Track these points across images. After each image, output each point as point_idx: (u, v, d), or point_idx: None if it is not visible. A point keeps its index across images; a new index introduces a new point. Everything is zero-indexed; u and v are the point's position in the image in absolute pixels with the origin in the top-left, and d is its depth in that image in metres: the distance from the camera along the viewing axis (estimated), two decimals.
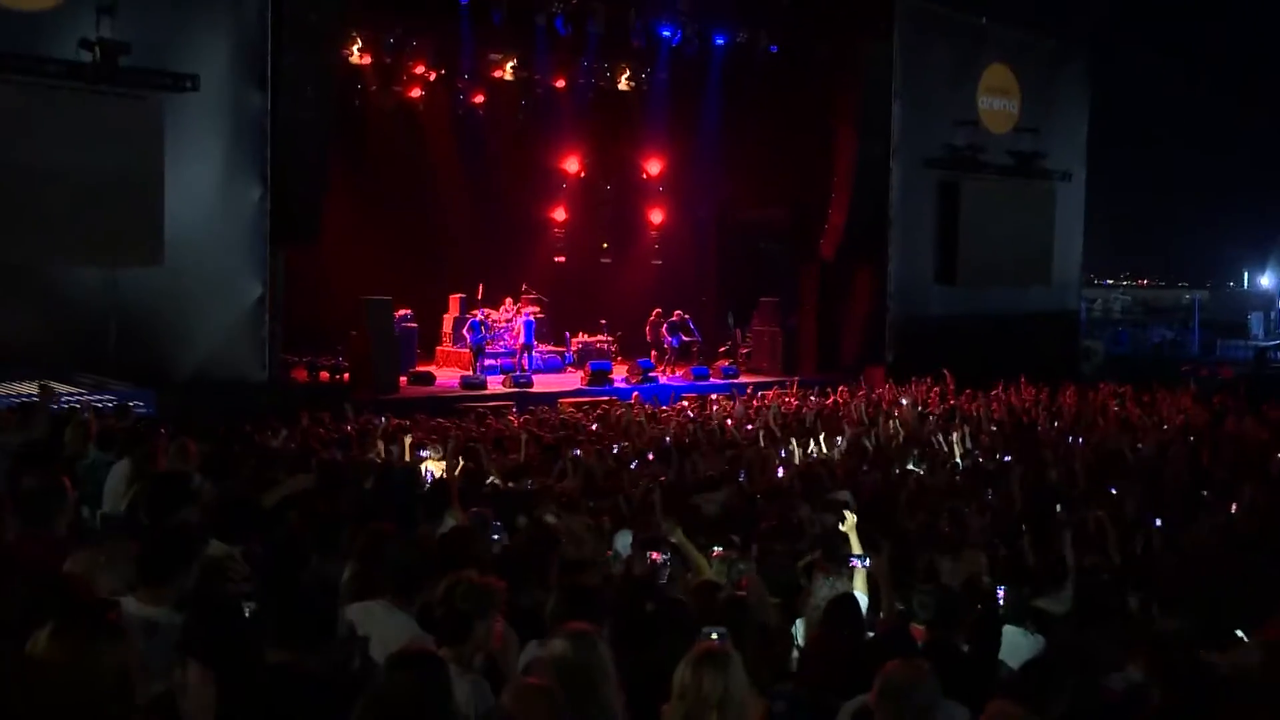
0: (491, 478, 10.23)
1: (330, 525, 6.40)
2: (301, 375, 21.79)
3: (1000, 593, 6.31)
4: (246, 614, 4.04)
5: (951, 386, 20.53)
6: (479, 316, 24.37)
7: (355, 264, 23.80)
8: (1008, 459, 12.88)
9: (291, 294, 20.50)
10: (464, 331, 24.13)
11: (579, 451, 12.05)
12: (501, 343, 25.46)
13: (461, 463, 11.14)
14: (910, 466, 12.34)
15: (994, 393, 20.18)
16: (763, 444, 13.78)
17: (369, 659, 4.31)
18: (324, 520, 6.55)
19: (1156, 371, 25.58)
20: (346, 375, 21.47)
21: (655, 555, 6.71)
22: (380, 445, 11.96)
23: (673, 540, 6.81)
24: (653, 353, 25.80)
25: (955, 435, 13.94)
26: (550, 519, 7.86)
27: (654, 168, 30.12)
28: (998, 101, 27.66)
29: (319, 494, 8.12)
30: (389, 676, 3.71)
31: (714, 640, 4.13)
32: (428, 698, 3.65)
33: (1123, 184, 52.64)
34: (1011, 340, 26.41)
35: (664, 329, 25.76)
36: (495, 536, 7.07)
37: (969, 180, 26.58)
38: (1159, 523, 9.02)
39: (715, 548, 6.98)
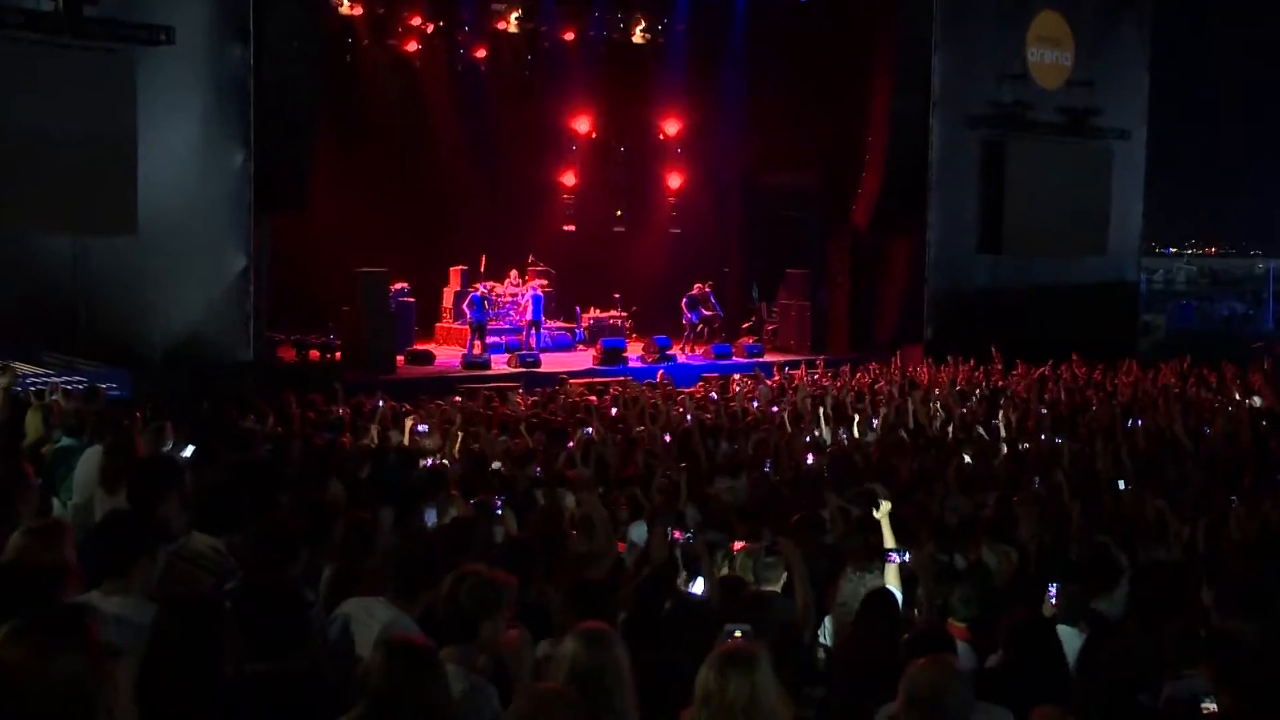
0: (497, 464, 10.24)
1: (322, 516, 6.42)
2: (289, 354, 21.86)
3: (1052, 590, 6.29)
4: (226, 611, 4.06)
5: (998, 365, 20.46)
6: (481, 291, 24.42)
7: (347, 234, 23.82)
8: (1058, 443, 12.83)
9: (278, 266, 20.54)
10: (464, 307, 24.20)
11: (590, 429, 12.06)
12: (506, 319, 25.48)
13: (463, 448, 11.21)
14: (951, 452, 12.33)
15: (1043, 372, 20.10)
16: (789, 428, 13.77)
17: (354, 657, 4.34)
18: (315, 511, 6.58)
19: (1224, 349, 25.41)
20: (338, 354, 21.53)
21: (677, 533, 6.74)
22: (375, 430, 11.99)
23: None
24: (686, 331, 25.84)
25: (1000, 418, 13.90)
26: (570, 503, 7.90)
27: (671, 128, 30.02)
28: (1048, 53, 27.45)
29: (310, 483, 8.18)
30: (371, 666, 3.72)
31: (739, 639, 4.12)
32: (415, 691, 3.66)
33: (1188, 142, 52.24)
34: (1063, 315, 26.30)
35: (683, 303, 25.76)
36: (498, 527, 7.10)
37: (1016, 140, 26.43)
38: (1226, 514, 8.97)
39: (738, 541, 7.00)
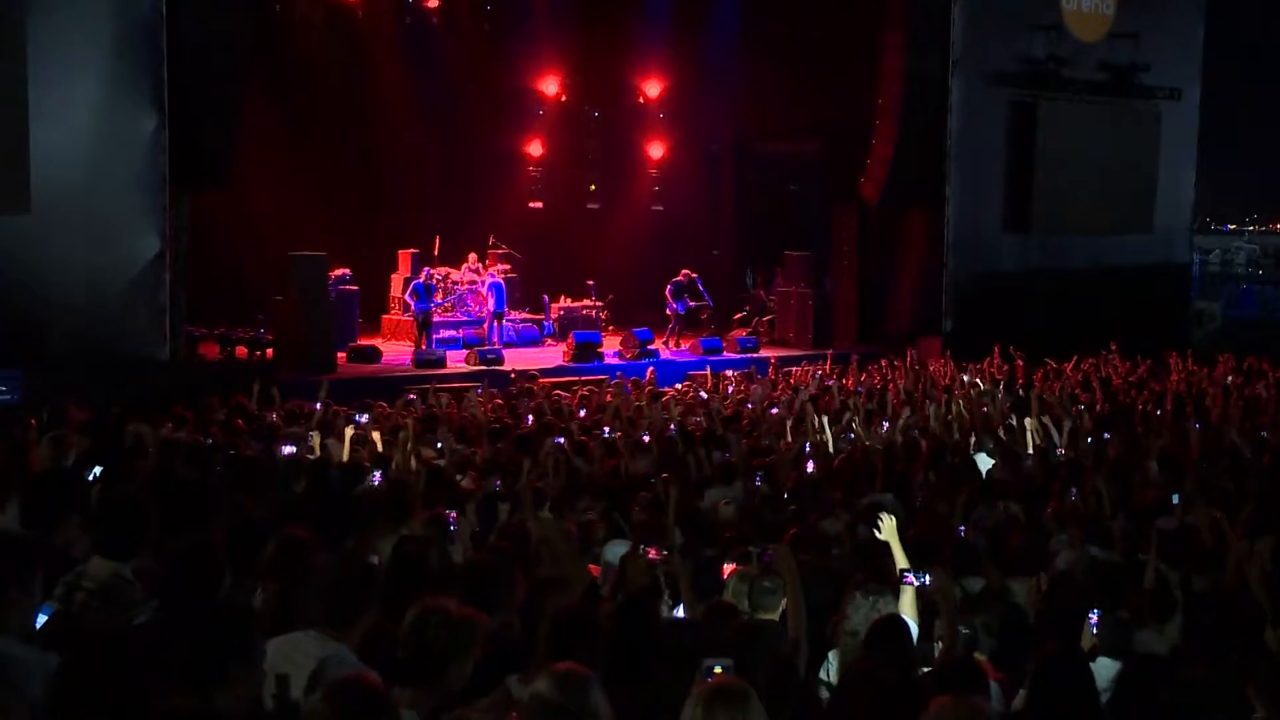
0: (457, 475, 10.25)
1: (249, 537, 6.40)
2: (212, 351, 21.77)
3: (1092, 618, 6.31)
4: (134, 646, 4.04)
5: (1020, 362, 20.52)
6: (428, 278, 24.22)
7: (279, 212, 23.72)
8: (1097, 450, 12.88)
9: (199, 250, 20.43)
10: (406, 297, 24.08)
11: (562, 439, 12.09)
12: (464, 309, 25.42)
13: (414, 458, 11.20)
14: (975, 459, 12.36)
15: (1080, 367, 20.17)
16: (788, 433, 13.78)
17: (289, 701, 4.32)
18: (241, 531, 6.57)
19: None
20: (269, 351, 21.45)
21: (653, 552, 6.74)
22: (316, 437, 11.98)
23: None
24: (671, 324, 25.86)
25: (1030, 421, 13.95)
26: (535, 521, 7.91)
27: (653, 89, 30.02)
28: (1086, 0, 27.56)
29: (236, 499, 8.16)
30: (311, 712, 3.71)
31: (720, 674, 4.14)
32: None
33: (1248, 102, 52.35)
34: (1102, 303, 26.41)
35: (667, 291, 25.77)
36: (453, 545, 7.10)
37: (1049, 101, 26.52)
38: None
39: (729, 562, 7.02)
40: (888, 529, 6.96)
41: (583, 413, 15.58)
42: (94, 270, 18.33)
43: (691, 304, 26.15)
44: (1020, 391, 17.45)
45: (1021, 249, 26.75)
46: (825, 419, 13.99)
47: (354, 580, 5.25)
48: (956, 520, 9.08)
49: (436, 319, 24.49)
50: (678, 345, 25.58)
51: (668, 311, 25.82)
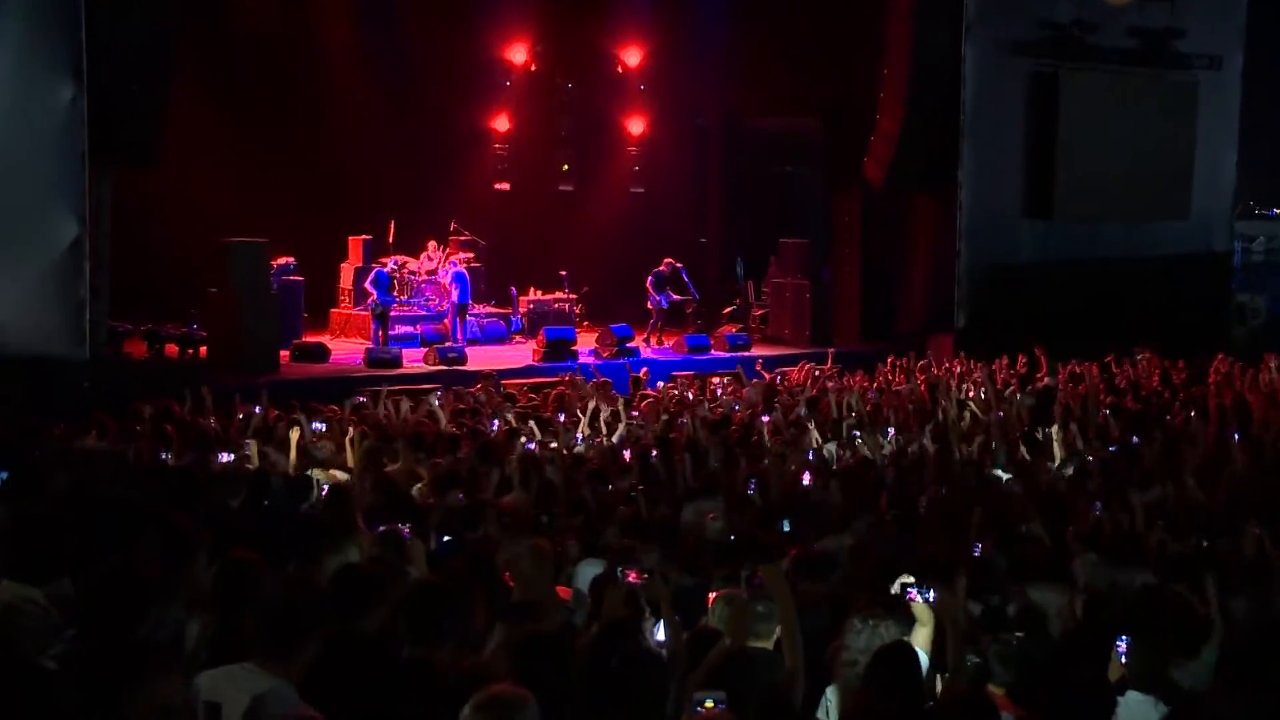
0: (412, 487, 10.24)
1: (179, 558, 6.37)
2: (139, 350, 21.69)
3: (1121, 645, 6.31)
4: (48, 677, 4.02)
5: (1042, 363, 20.57)
6: (388, 267, 24.26)
7: (214, 194, 23.66)
8: (1127, 458, 12.90)
9: (122, 235, 20.34)
10: (367, 286, 24.05)
11: (533, 444, 12.09)
12: (423, 303, 25.37)
13: (367, 467, 11.19)
14: (990, 470, 12.38)
15: (1108, 369, 20.21)
16: (782, 441, 13.79)
17: None
18: (171, 551, 6.53)
19: None
20: (203, 350, 21.39)
21: (633, 575, 6.74)
22: (254, 445, 11.96)
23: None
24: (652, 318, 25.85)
25: (1053, 427, 13.97)
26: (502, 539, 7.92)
27: (632, 58, 30.00)
28: None
29: (165, 515, 8.12)
30: None
31: (711, 710, 4.14)
32: None
33: None
34: (1133, 296, 26.44)
35: (648, 283, 25.77)
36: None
37: (1074, 71, 26.57)
38: None
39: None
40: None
41: (561, 417, 15.59)
42: (2, 258, 18.24)
43: (675, 297, 26.16)
44: (1041, 396, 17.46)
45: (1043, 237, 26.77)
46: (823, 426, 14.01)
47: (295, 606, 5.23)
48: (970, 538, 9.09)
49: (393, 312, 24.45)
50: (660, 343, 25.59)
51: (649, 305, 25.81)
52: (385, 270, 24.02)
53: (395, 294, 24.57)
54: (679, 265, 26.44)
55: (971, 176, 25.89)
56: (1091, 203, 26.85)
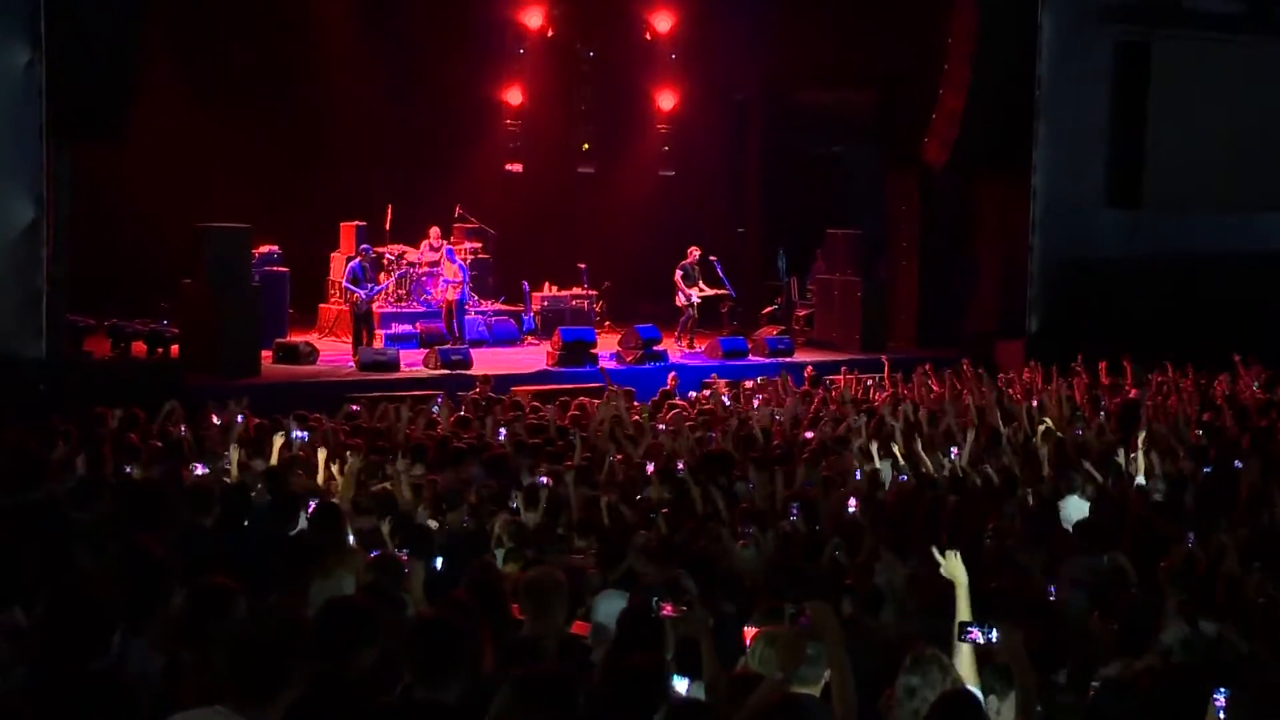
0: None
1: (146, 583, 6.38)
2: (102, 348, 21.70)
3: (1219, 699, 6.25)
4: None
5: (1128, 373, 20.48)
6: (364, 257, 23.98)
7: (189, 174, 23.74)
8: (1224, 489, 12.82)
9: (86, 219, 20.39)
10: (346, 283, 23.88)
11: (545, 479, 12.07)
12: (423, 298, 25.35)
13: (361, 485, 11.20)
14: (1067, 495, 12.32)
15: (1202, 381, 20.10)
16: (829, 459, 13.74)
17: None
18: (137, 575, 6.54)
19: None
20: (175, 348, 21.40)
21: (668, 608, 6.72)
22: (234, 457, 11.97)
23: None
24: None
25: (1139, 449, 13.89)
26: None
27: (663, 23, 29.96)
28: None
29: (131, 535, 8.13)
30: None
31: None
32: None
33: None
34: (1233, 297, 26.27)
35: (676, 276, 25.71)
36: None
37: (1167, 40, 26.43)
38: None
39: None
40: (951, 567, 6.87)
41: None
42: None
43: (707, 291, 26.02)
44: (1126, 410, 17.37)
45: (1128, 229, 26.66)
46: (877, 443, 13.95)
47: (274, 642, 5.21)
48: (1039, 573, 9.05)
49: (388, 309, 24.40)
50: (692, 345, 25.55)
51: (679, 303, 25.76)
52: (359, 262, 23.81)
53: (378, 282, 24.39)
54: (713, 258, 26.40)
55: (1047, 159, 25.78)
56: (1185, 190, 26.69)
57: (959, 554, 6.95)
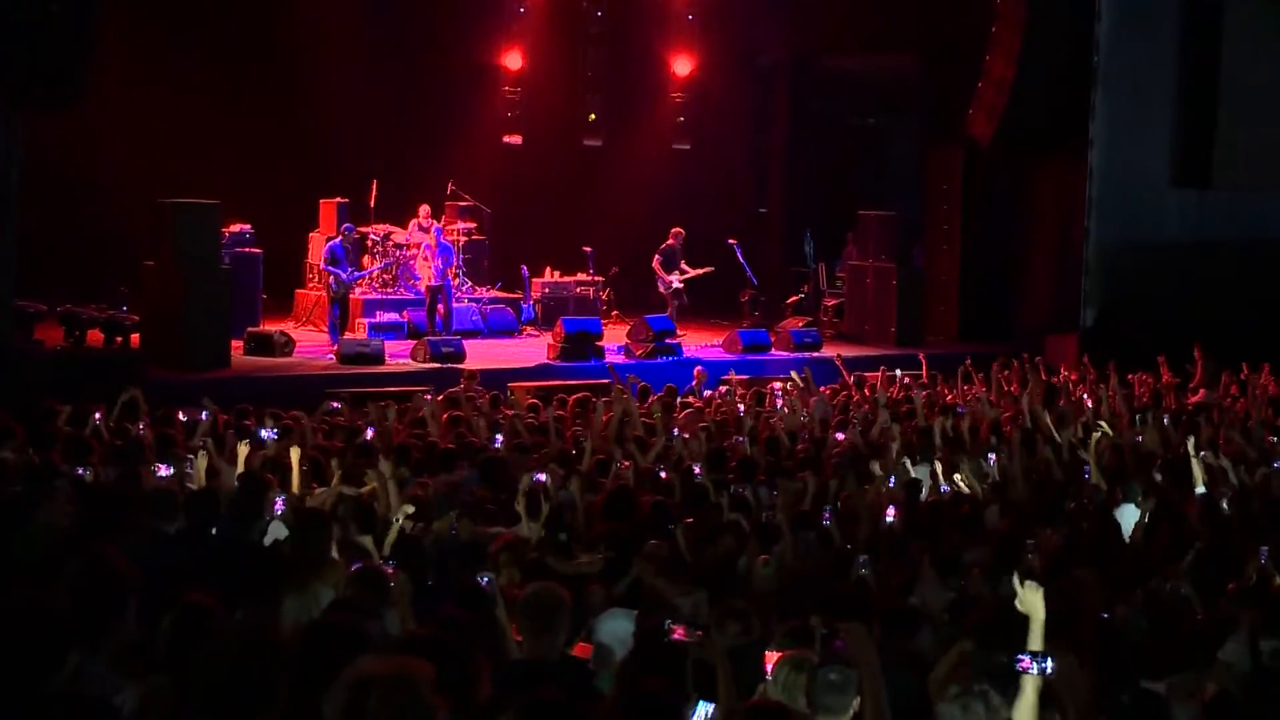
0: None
1: (103, 597, 6.39)
2: (54, 337, 21.70)
3: None
4: None
5: (1199, 370, 20.47)
6: (344, 237, 23.77)
7: (153, 144, 23.77)
8: None
9: (36, 194, 20.40)
10: (325, 266, 23.81)
11: (543, 477, 12.07)
12: (409, 283, 25.35)
13: (344, 490, 11.19)
14: (1126, 503, 12.33)
15: (1277, 378, 20.13)
16: (860, 465, 13.78)
17: None
18: (93, 589, 6.54)
19: None
20: (135, 337, 21.41)
21: (679, 631, 6.73)
22: (201, 458, 11.97)
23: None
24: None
25: (1204, 453, 13.86)
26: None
27: None
28: None
29: (88, 543, 8.14)
30: None
31: None
32: None
33: None
34: None
35: (656, 262, 25.60)
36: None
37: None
38: None
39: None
40: (1029, 599, 6.77)
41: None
42: None
43: (689, 273, 25.88)
44: (1193, 413, 17.35)
45: (1197, 211, 26.67)
46: (912, 446, 13.95)
47: (246, 663, 5.23)
48: (1094, 593, 9.05)
49: (372, 296, 24.38)
50: (709, 339, 25.57)
51: (661, 291, 25.75)
52: (339, 242, 23.75)
53: (361, 266, 24.41)
54: (732, 241, 26.41)
55: (1106, 134, 25.81)
56: (1260, 168, 26.61)
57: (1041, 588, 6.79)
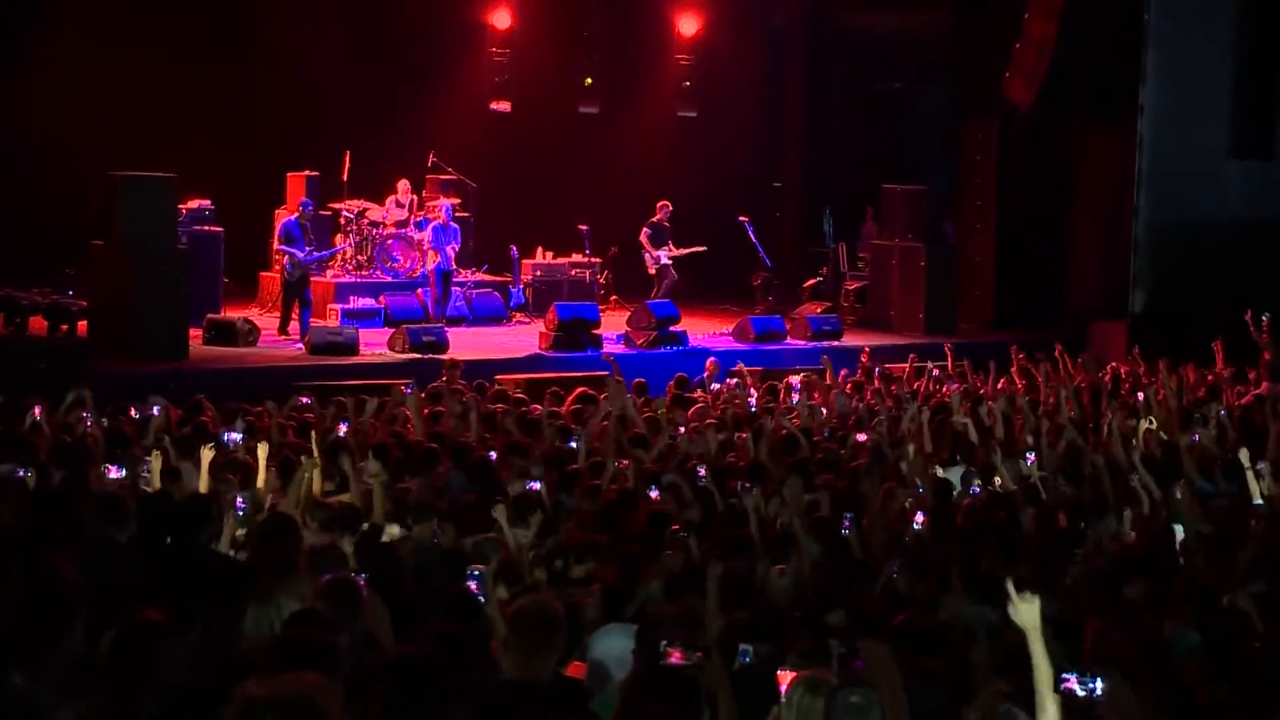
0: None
1: (44, 614, 6.39)
2: None
3: None
4: None
5: (1266, 359, 20.47)
6: (300, 213, 23.71)
7: (103, 111, 23.81)
8: None
9: None
10: (278, 248, 23.71)
11: (536, 485, 12.09)
12: (388, 265, 25.36)
13: (311, 491, 11.21)
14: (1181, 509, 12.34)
15: None
16: (886, 466, 13.76)
17: None
18: (38, 602, 6.55)
19: None
20: (83, 325, 21.42)
21: (676, 654, 6.74)
22: (156, 460, 11.97)
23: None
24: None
25: (1268, 454, 13.89)
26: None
27: None
28: None
29: (33, 552, 8.15)
30: None
31: None
32: None
33: None
34: None
35: (644, 235, 25.63)
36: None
37: None
38: None
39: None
40: (1023, 611, 6.81)
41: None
42: None
43: (676, 252, 25.90)
44: (1252, 409, 17.35)
45: (1257, 185, 26.67)
46: (942, 445, 13.96)
47: (198, 685, 5.23)
48: (1149, 609, 9.07)
49: (345, 279, 24.39)
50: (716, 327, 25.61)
51: (649, 269, 25.80)
52: (295, 219, 23.66)
53: (330, 244, 24.43)
54: (743, 219, 26.47)
55: (1158, 100, 25.81)
56: None
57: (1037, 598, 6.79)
